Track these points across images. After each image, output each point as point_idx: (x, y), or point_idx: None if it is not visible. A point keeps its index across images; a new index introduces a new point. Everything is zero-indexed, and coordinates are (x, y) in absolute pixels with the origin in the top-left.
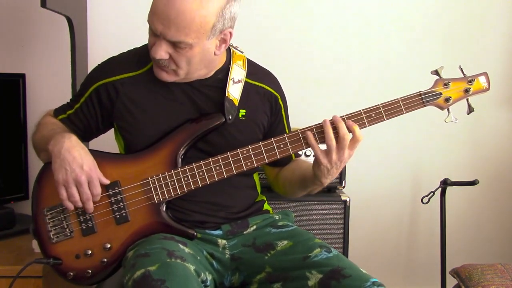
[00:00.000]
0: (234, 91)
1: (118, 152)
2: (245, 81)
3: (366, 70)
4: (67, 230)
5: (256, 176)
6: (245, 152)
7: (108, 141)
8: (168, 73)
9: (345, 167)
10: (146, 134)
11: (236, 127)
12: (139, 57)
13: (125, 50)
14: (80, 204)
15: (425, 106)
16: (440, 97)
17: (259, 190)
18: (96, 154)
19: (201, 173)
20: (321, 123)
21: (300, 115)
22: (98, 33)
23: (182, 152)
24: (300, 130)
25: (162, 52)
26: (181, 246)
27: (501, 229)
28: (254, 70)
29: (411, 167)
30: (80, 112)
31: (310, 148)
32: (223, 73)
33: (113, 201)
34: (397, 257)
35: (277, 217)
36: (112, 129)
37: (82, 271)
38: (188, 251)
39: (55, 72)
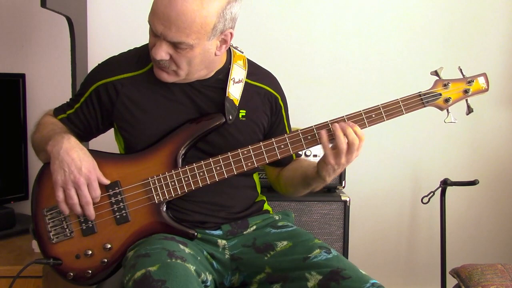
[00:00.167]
0: (234, 91)
1: (118, 152)
2: (245, 82)
3: (366, 70)
4: (67, 230)
5: (256, 176)
6: (245, 152)
7: (108, 141)
8: (168, 73)
9: None
10: (146, 134)
11: (236, 128)
12: (139, 57)
13: (125, 50)
14: (78, 208)
15: (424, 106)
16: (439, 97)
17: (259, 190)
18: (96, 154)
19: (201, 173)
20: (323, 123)
21: (300, 115)
22: (98, 33)
23: (183, 152)
24: (300, 130)
25: (162, 52)
26: (182, 247)
27: (501, 229)
28: (254, 70)
29: (411, 167)
30: (80, 112)
31: (310, 148)
32: (224, 73)
33: (113, 201)
34: (397, 257)
35: (277, 217)
36: (112, 129)
37: (82, 271)
38: (189, 251)
39: (55, 72)
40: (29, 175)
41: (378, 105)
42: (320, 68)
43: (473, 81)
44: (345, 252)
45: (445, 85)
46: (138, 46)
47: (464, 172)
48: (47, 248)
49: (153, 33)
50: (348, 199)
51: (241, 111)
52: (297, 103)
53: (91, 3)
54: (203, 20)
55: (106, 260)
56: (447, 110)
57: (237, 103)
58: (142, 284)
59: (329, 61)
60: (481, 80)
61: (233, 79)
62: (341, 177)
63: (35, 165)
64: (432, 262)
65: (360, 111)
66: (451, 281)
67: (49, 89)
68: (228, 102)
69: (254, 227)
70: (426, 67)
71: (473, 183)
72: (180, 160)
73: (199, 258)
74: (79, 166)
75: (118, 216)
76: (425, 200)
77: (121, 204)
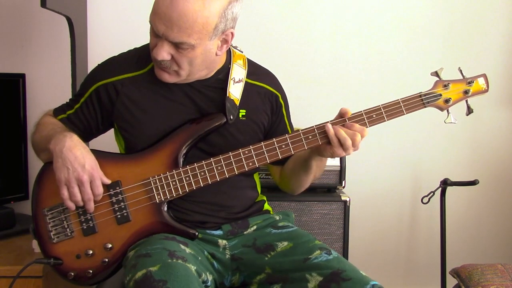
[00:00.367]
0: (235, 91)
1: (119, 152)
2: (246, 81)
3: (366, 70)
4: (68, 230)
5: (256, 176)
6: (247, 152)
7: (108, 141)
8: (169, 74)
9: (345, 167)
10: (146, 134)
11: (236, 127)
12: (139, 57)
13: (125, 50)
14: (81, 204)
15: (425, 107)
16: (440, 98)
17: (259, 190)
18: (97, 154)
19: (202, 173)
20: (323, 123)
21: (300, 115)
22: (98, 33)
23: (184, 152)
24: (302, 130)
25: (164, 53)
26: (182, 247)
27: (501, 229)
28: (254, 69)
29: (411, 167)
30: (80, 112)
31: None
32: (224, 73)
33: (114, 201)
34: (397, 257)
35: (277, 218)
36: (112, 129)
37: (82, 271)
38: (189, 252)
39: (55, 72)
40: (29, 175)
41: (379, 106)
42: (320, 68)
43: (473, 82)
44: (345, 252)
45: (445, 85)
46: (138, 46)
47: (464, 172)
48: (47, 248)
49: (154, 34)
50: (348, 199)
51: (241, 110)
52: (297, 103)
53: (91, 3)
54: (205, 20)
55: (106, 260)
56: (447, 111)
57: (237, 103)
58: (143, 284)
59: (329, 61)
60: (481, 80)
61: (233, 79)
62: (341, 177)
63: (35, 165)
64: (432, 262)
65: (361, 111)
66: (451, 281)
67: (49, 89)
68: (229, 102)
69: (255, 227)
70: (426, 67)
71: (473, 183)
72: (181, 160)
73: (199, 258)
74: (82, 164)
75: (119, 216)
76: (425, 200)
77: (122, 203)
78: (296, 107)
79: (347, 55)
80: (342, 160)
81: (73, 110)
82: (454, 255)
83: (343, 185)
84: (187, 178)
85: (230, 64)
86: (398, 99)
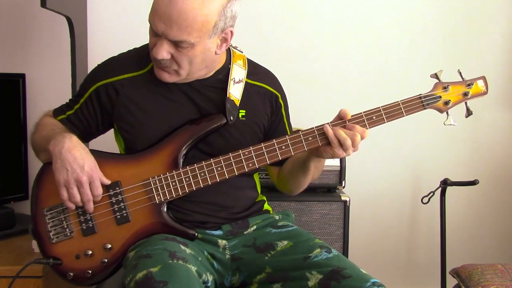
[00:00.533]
0: (235, 92)
1: (118, 152)
2: (246, 82)
3: (366, 70)
4: (67, 230)
5: (256, 176)
6: (247, 153)
7: (108, 141)
8: (169, 73)
9: (345, 167)
10: (146, 134)
11: (236, 128)
12: (139, 57)
13: (125, 50)
14: (81, 204)
15: (425, 109)
16: (439, 100)
17: (259, 190)
18: (97, 154)
19: (202, 174)
20: (323, 125)
21: (300, 115)
22: (98, 33)
23: (183, 152)
24: (302, 131)
25: (164, 52)
26: (182, 247)
27: (501, 229)
28: (254, 70)
29: (411, 167)
30: (80, 113)
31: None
32: (223, 73)
33: (114, 201)
34: (397, 257)
35: (277, 217)
36: (112, 130)
37: (82, 272)
38: (189, 252)
39: (55, 72)
40: (29, 175)
41: (379, 107)
42: (320, 69)
43: (472, 84)
44: (345, 252)
45: (444, 87)
46: (138, 46)
47: (464, 172)
48: (47, 248)
49: (154, 33)
50: (348, 199)
51: (241, 111)
52: (297, 104)
53: (91, 3)
54: (204, 18)
55: (106, 260)
56: (447, 113)
57: (237, 104)
58: (143, 285)
59: (330, 62)
60: (480, 83)
61: (233, 79)
62: (341, 177)
63: (35, 165)
64: (432, 262)
65: (361, 113)
66: (451, 281)
67: (49, 89)
68: (229, 103)
69: (255, 227)
70: (426, 67)
71: (473, 183)
72: (181, 161)
73: (200, 258)
74: (81, 165)
75: (119, 216)
76: (425, 200)
77: (122, 204)
78: (296, 108)
79: (347, 56)
80: (342, 160)
81: (73, 111)
82: (454, 255)
83: (343, 185)
84: (187, 179)
85: (230, 64)
86: (398, 101)
